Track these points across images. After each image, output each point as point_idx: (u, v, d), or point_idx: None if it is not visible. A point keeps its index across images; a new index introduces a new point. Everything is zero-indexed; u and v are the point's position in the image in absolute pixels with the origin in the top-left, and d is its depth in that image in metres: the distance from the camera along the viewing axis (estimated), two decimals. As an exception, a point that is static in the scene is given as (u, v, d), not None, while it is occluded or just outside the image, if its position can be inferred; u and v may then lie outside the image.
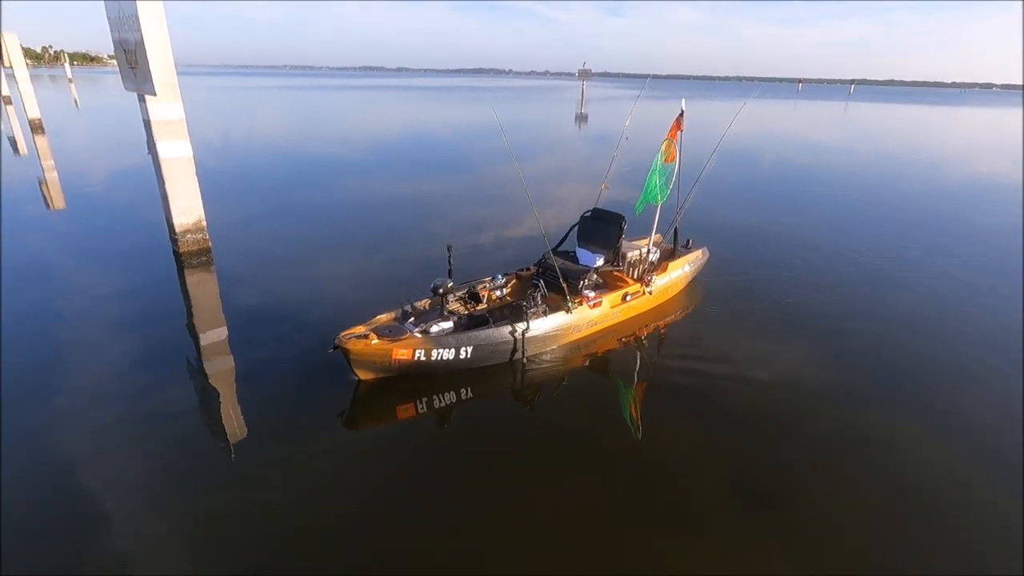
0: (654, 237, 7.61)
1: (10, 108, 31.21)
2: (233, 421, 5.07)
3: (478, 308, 6.71)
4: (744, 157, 22.35)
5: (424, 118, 38.71)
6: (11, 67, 24.24)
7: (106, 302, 7.50)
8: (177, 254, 8.95)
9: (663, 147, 6.93)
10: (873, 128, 41.83)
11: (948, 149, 30.29)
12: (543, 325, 6.06)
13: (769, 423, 5.20)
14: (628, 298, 6.95)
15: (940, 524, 4.07)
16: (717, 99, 71.66)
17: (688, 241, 8.37)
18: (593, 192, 8.36)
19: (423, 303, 6.23)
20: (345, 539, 3.80)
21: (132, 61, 7.95)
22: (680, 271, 7.82)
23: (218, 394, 5.53)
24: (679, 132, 6.96)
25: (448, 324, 5.85)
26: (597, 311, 6.60)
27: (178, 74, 8.03)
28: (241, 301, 7.62)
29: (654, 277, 7.31)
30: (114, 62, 8.78)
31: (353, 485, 4.35)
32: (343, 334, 5.27)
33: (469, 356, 5.67)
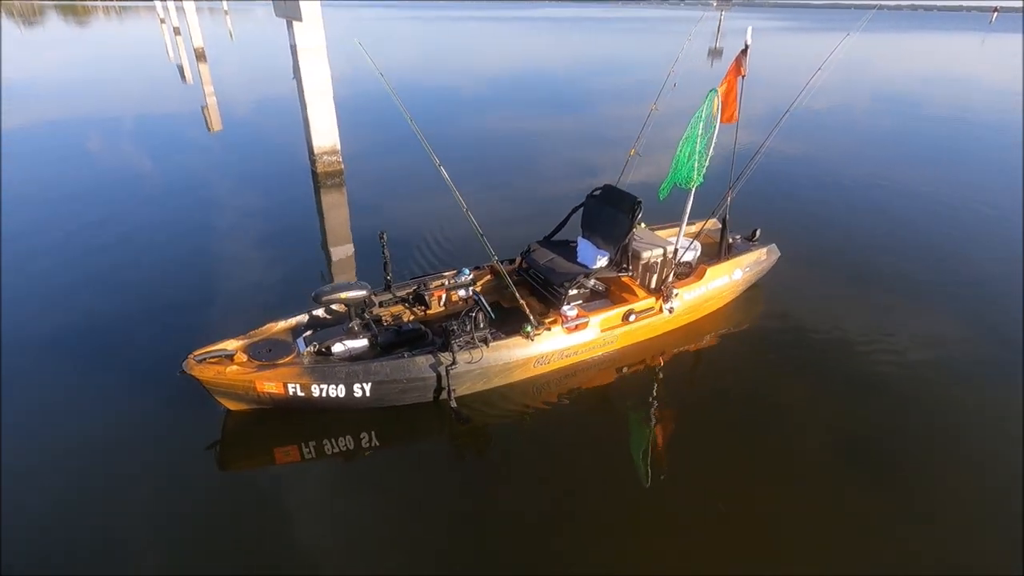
0: (695, 226, 5.58)
1: (179, 39, 34.78)
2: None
3: (429, 314, 5.17)
4: (899, 107, 19.48)
5: (546, 51, 37.63)
6: (180, -1, 26.85)
7: (255, 217, 8.48)
8: (315, 174, 9.81)
9: (707, 101, 4.85)
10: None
11: None
12: (482, 360, 4.31)
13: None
14: (633, 318, 5.02)
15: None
16: (877, 31, 62.00)
17: (755, 233, 6.30)
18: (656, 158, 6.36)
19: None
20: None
21: (282, -11, 8.53)
22: (725, 279, 5.66)
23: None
24: (740, 78, 4.88)
25: (359, 343, 4.38)
26: (578, 337, 4.75)
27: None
28: (366, 223, 8.25)
29: (678, 290, 5.24)
30: (265, -8, 9.38)
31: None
32: (196, 354, 3.99)
33: (368, 395, 4.16)
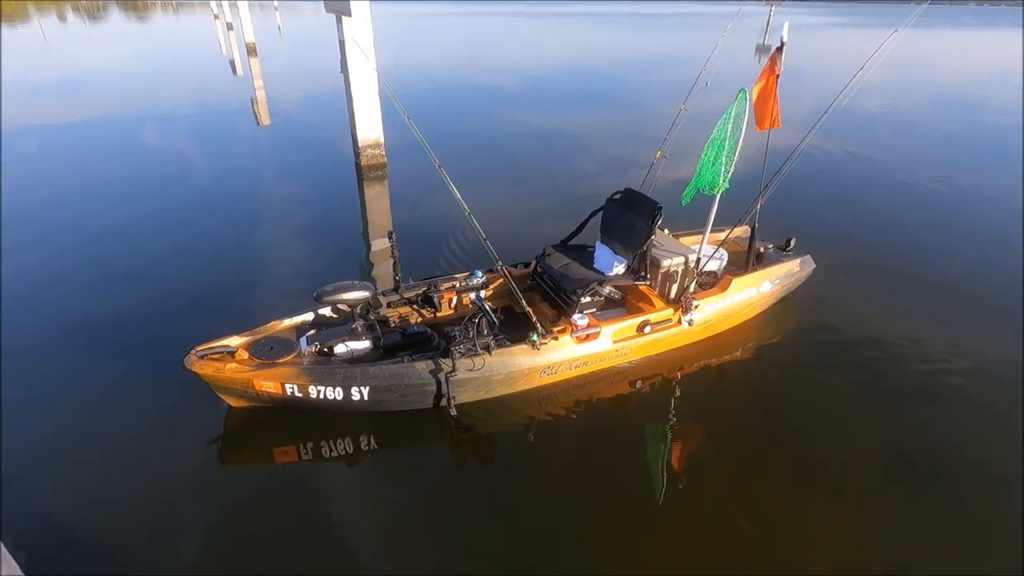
0: (722, 234, 5.34)
1: (232, 34, 36.01)
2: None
3: (439, 316, 5.03)
4: (954, 109, 18.63)
5: (584, 48, 37.42)
6: (233, -5, 27.77)
7: (300, 207, 8.81)
8: (359, 167, 10.12)
9: (736, 101, 4.63)
10: None
11: None
12: (484, 368, 4.16)
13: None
14: (648, 329, 4.75)
15: None
16: (933, 27, 59.00)
17: (789, 242, 5.89)
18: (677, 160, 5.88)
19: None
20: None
21: (333, -14, 8.85)
22: (752, 291, 5.32)
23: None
24: (775, 78, 4.57)
25: (361, 344, 4.31)
26: (588, 347, 4.55)
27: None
28: (406, 216, 8.46)
29: (698, 302, 4.93)
30: (316, -12, 9.67)
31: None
32: (198, 349, 4.02)
33: (366, 398, 4.08)
